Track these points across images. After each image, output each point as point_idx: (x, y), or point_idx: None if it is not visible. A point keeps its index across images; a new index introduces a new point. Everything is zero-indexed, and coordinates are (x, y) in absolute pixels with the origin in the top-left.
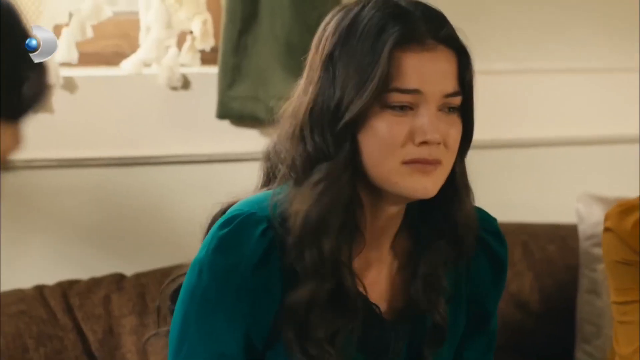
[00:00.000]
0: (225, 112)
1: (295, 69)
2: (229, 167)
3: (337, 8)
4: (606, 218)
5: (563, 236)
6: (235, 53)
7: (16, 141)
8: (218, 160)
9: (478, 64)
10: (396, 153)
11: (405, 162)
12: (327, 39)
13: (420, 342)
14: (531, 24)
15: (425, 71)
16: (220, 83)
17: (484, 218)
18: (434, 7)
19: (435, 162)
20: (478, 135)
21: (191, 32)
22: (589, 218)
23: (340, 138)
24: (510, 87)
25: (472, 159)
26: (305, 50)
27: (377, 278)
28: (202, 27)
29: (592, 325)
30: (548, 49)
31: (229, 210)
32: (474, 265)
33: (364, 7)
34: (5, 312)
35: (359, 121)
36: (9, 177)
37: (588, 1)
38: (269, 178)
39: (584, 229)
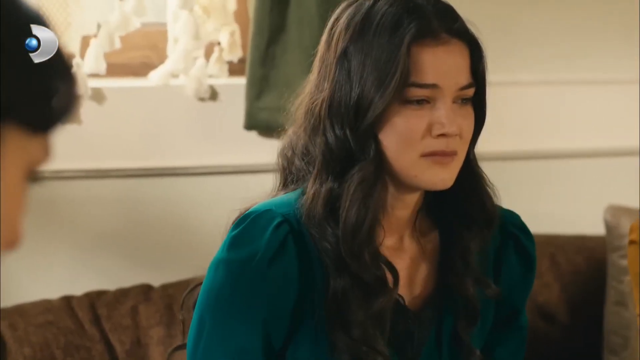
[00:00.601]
0: (253, 123)
1: None
2: (256, 178)
3: (345, 3)
4: (631, 230)
5: (590, 247)
6: (263, 64)
7: (45, 153)
8: (245, 171)
9: (504, 76)
10: (415, 146)
11: (424, 155)
12: (340, 35)
13: (453, 326)
14: (558, 36)
15: (441, 65)
16: (247, 94)
17: (508, 213)
18: (443, 0)
19: (452, 154)
20: (504, 147)
21: (219, 43)
22: (617, 229)
23: (364, 137)
24: (536, 99)
25: (498, 171)
26: None
27: (398, 267)
28: (229, 38)
29: (619, 336)
30: (575, 61)
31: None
32: (504, 260)
33: (375, 1)
34: (32, 323)
35: (380, 117)
36: (37, 188)
37: (617, 13)
38: (286, 176)
39: (611, 241)
